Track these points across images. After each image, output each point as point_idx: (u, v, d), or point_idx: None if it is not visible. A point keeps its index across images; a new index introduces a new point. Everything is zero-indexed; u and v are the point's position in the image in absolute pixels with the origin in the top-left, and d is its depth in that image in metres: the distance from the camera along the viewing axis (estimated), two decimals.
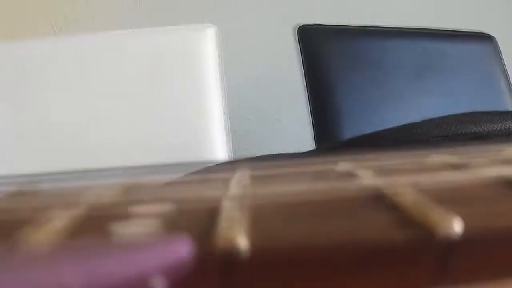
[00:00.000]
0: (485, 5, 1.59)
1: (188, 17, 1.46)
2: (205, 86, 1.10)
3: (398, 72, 1.21)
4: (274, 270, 0.15)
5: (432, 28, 1.30)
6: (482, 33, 1.31)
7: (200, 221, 0.17)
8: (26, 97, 1.04)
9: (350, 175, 0.25)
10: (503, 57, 1.28)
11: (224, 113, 1.10)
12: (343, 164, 0.27)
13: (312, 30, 1.22)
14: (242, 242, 0.15)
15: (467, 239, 0.16)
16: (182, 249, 0.15)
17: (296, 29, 1.21)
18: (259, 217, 0.18)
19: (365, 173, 0.24)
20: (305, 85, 1.18)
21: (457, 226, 0.16)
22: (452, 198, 0.19)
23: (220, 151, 1.07)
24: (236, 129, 1.20)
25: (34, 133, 1.04)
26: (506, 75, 1.27)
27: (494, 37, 1.30)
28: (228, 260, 0.15)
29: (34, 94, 1.04)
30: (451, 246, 0.16)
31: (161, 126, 1.06)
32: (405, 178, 0.22)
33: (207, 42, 1.12)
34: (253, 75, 1.50)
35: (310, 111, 1.18)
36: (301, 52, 1.20)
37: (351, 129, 1.10)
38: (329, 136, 1.11)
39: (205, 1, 1.51)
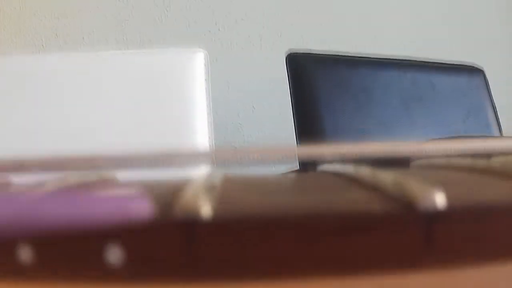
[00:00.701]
0: (474, 38, 1.60)
1: (179, 43, 1.46)
2: (192, 110, 1.09)
3: (385, 101, 1.21)
4: (236, 236, 0.14)
5: (421, 59, 1.29)
6: (470, 65, 1.31)
7: (168, 189, 0.17)
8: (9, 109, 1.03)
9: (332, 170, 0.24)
10: (492, 89, 1.28)
11: (209, 138, 1.09)
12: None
13: (301, 56, 1.21)
14: (205, 206, 0.14)
15: (450, 211, 0.15)
16: (140, 207, 0.14)
17: (286, 55, 1.20)
18: (229, 189, 0.17)
19: (344, 166, 0.23)
20: (292, 112, 1.17)
21: (439, 198, 0.15)
22: (432, 179, 0.18)
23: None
24: None
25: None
26: (493, 107, 1.26)
27: (482, 70, 1.30)
28: (189, 223, 0.14)
29: (17, 107, 1.03)
30: (433, 217, 0.15)
31: (144, 146, 1.04)
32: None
33: (196, 66, 1.11)
34: (242, 101, 1.50)
35: (296, 138, 1.17)
36: (289, 78, 1.19)
37: None
38: (314, 164, 1.10)
39: (195, 25, 1.51)
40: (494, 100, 1.29)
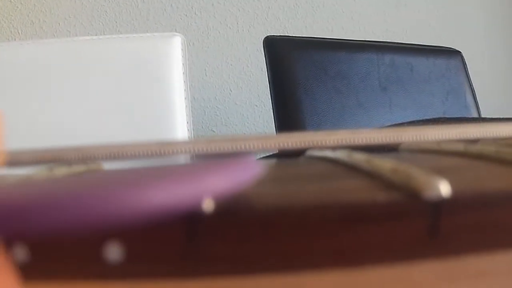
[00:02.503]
0: (452, 21, 1.61)
1: (156, 27, 1.45)
2: (170, 94, 1.08)
3: (364, 84, 1.20)
4: (238, 230, 0.14)
5: (400, 42, 1.30)
6: (449, 48, 1.31)
7: None
8: None
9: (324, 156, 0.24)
10: (470, 72, 1.29)
11: (187, 122, 1.09)
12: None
13: (278, 41, 1.21)
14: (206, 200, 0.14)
15: (455, 201, 0.14)
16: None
17: (263, 39, 1.20)
18: None
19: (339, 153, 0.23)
20: (271, 96, 1.17)
21: (444, 187, 0.15)
22: (430, 166, 0.18)
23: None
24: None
25: None
26: (472, 90, 1.27)
27: (460, 52, 1.30)
28: (190, 218, 0.14)
29: None
30: (439, 207, 0.14)
31: (124, 132, 1.04)
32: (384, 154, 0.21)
33: (173, 50, 1.11)
34: (219, 85, 1.49)
35: (275, 122, 1.17)
36: (267, 62, 1.18)
37: None
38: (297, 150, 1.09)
39: (171, 10, 1.49)
40: (473, 82, 1.29)
